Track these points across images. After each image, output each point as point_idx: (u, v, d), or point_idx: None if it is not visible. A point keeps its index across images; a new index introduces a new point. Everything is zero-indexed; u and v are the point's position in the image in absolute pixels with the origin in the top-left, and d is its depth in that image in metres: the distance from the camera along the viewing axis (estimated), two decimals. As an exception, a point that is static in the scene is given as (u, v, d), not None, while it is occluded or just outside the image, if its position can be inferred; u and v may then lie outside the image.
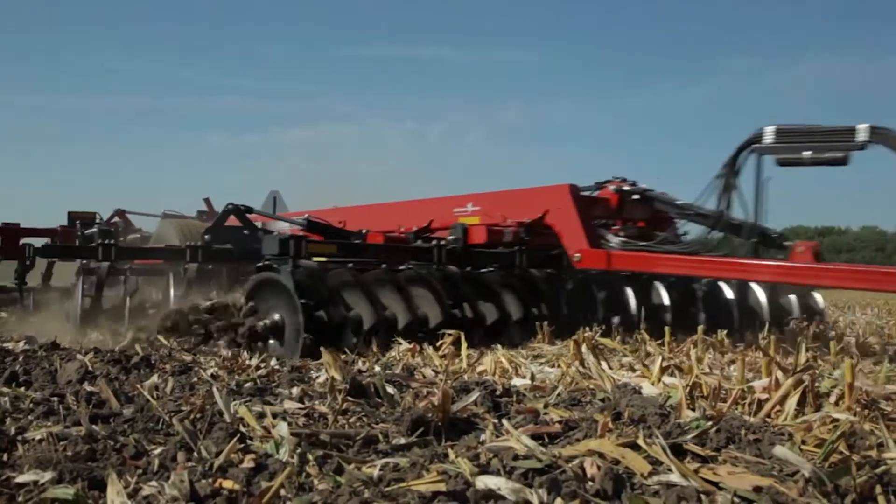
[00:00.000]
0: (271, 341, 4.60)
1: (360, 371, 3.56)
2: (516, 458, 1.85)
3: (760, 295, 5.91)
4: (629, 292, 5.57)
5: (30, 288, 8.90)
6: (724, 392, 2.67)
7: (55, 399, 2.71)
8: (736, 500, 1.59)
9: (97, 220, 9.33)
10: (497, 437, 2.15)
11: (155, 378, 3.08)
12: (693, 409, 2.48)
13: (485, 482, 1.65)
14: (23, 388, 2.99)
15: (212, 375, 3.36)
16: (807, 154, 4.31)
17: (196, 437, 2.06)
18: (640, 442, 1.94)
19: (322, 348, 3.66)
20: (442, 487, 1.63)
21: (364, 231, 5.87)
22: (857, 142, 4.18)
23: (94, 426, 2.24)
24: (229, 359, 4.00)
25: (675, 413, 2.39)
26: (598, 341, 3.79)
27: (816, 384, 2.55)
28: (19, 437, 2.12)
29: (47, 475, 1.69)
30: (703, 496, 1.60)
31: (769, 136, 4.44)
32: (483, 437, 2.18)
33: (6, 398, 2.71)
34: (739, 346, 4.44)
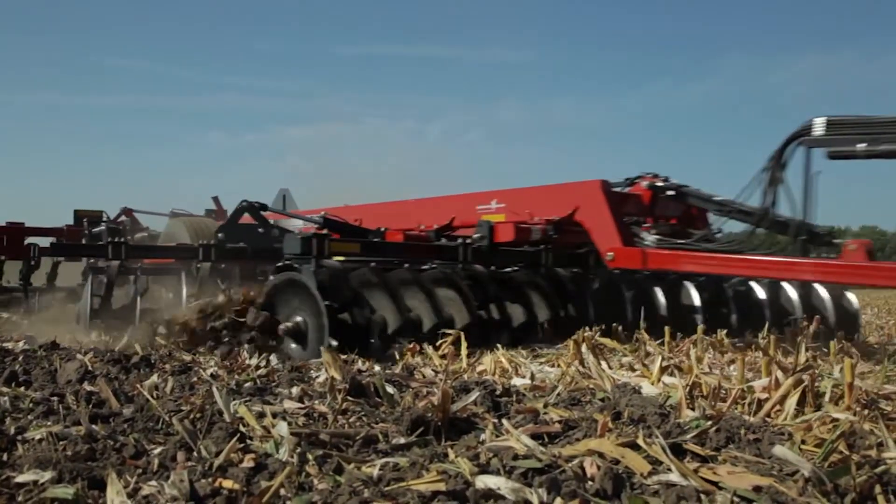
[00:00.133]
0: (293, 345, 4.41)
1: (359, 371, 3.56)
2: (516, 457, 1.85)
3: (792, 294, 5.76)
4: (658, 292, 5.42)
5: (35, 288, 8.79)
6: (723, 392, 2.67)
7: (55, 399, 2.71)
8: (736, 499, 1.59)
9: (104, 219, 9.28)
10: (497, 436, 2.15)
11: (155, 378, 3.08)
12: (693, 409, 2.48)
13: (484, 482, 1.65)
14: (22, 388, 2.99)
15: (211, 375, 3.36)
16: (861, 146, 4.03)
17: (196, 437, 2.06)
18: (640, 442, 1.94)
19: (322, 349, 3.65)
20: (442, 487, 1.63)
21: (382, 229, 5.69)
22: None
23: (93, 426, 2.24)
24: (230, 358, 4.00)
25: (675, 413, 2.39)
26: (598, 341, 3.79)
27: (816, 384, 2.54)
28: (19, 437, 2.12)
29: (47, 475, 1.69)
30: (702, 496, 1.60)
31: (819, 128, 4.19)
32: (483, 436, 2.18)
33: (6, 398, 2.71)
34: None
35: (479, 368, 3.63)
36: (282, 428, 2.11)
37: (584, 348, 3.48)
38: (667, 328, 4.11)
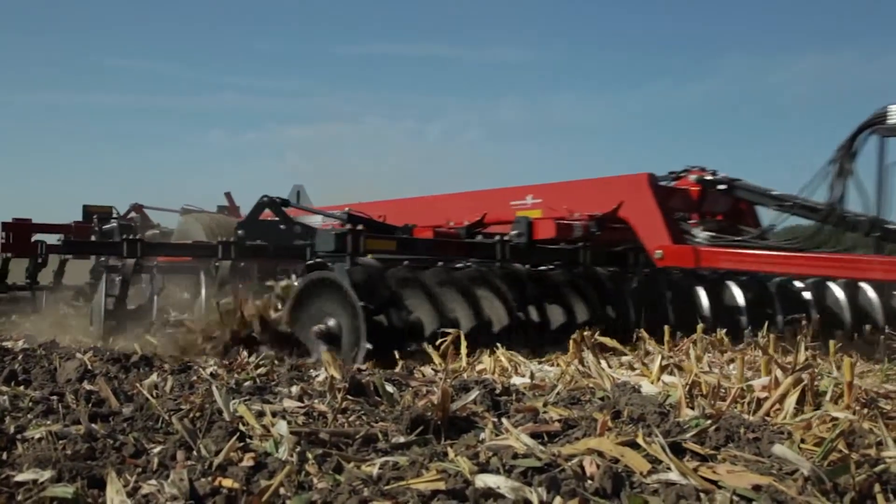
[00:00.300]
0: (325, 349, 4.07)
1: (359, 370, 3.55)
2: (516, 456, 1.85)
3: (839, 294, 5.52)
4: (700, 292, 5.16)
5: (42, 287, 8.54)
6: (723, 391, 2.67)
7: (54, 398, 2.71)
8: (735, 498, 1.59)
9: (113, 215, 9.02)
10: (496, 435, 2.15)
11: (154, 377, 3.07)
12: (692, 408, 2.48)
13: (484, 481, 1.65)
14: (22, 387, 2.99)
15: (211, 374, 3.36)
16: None
17: (195, 436, 2.06)
18: (640, 440, 1.94)
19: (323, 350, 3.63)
20: (441, 486, 1.63)
21: (410, 226, 5.42)
22: None
23: (93, 425, 2.24)
24: (229, 357, 4.00)
25: (675, 412, 2.39)
26: (598, 340, 3.79)
27: (816, 383, 2.55)
28: (19, 436, 2.12)
29: (47, 474, 1.69)
30: (702, 495, 1.60)
31: (895, 115, 3.94)
32: (482, 435, 2.18)
33: (5, 397, 2.71)
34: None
35: (479, 367, 3.62)
36: (281, 427, 2.11)
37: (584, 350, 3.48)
38: (667, 327, 4.07)
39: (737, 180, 5.24)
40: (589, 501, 1.58)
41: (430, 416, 2.26)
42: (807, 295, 5.51)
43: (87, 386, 2.94)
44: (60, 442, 2.05)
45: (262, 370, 3.53)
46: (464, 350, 3.66)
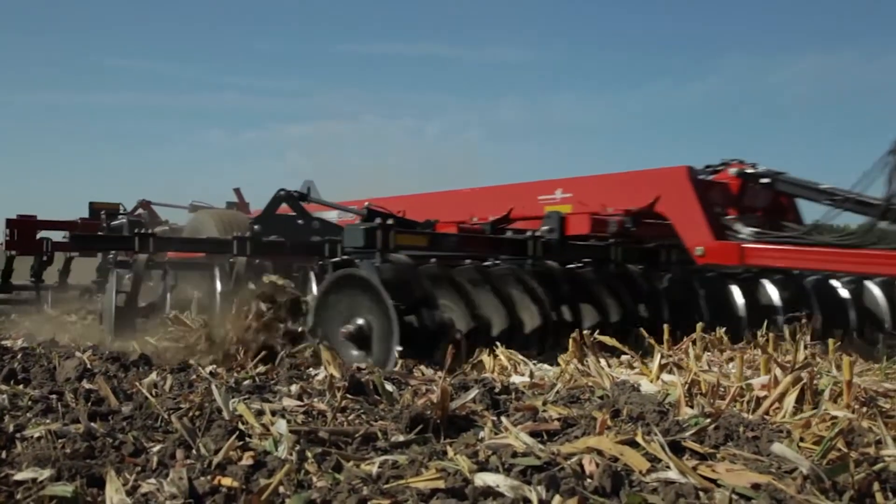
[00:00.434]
0: (354, 351, 3.87)
1: (358, 368, 3.55)
2: (515, 455, 1.85)
3: (877, 292, 5.34)
4: (735, 291, 4.98)
5: (47, 286, 8.31)
6: (722, 389, 2.67)
7: (54, 397, 2.71)
8: (734, 497, 1.59)
9: (121, 211, 8.76)
10: (496, 434, 2.15)
11: (154, 376, 3.07)
12: (692, 407, 2.48)
13: (483, 479, 1.65)
14: (21, 386, 2.99)
15: (210, 373, 3.36)
16: None
17: (195, 435, 2.06)
18: (639, 439, 1.94)
19: (322, 346, 3.59)
20: (441, 485, 1.63)
21: (431, 221, 5.19)
22: None
23: (92, 424, 2.23)
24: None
25: (674, 410, 2.39)
26: (597, 338, 3.78)
27: (815, 382, 2.55)
28: (18, 435, 2.12)
29: (46, 473, 1.69)
30: (701, 493, 1.60)
31: None
32: (482, 434, 2.18)
33: (5, 396, 2.71)
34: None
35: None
36: (281, 426, 2.11)
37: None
38: (666, 326, 4.03)
39: (781, 173, 4.98)
40: (588, 500, 1.58)
41: (429, 415, 2.25)
42: (844, 293, 5.33)
43: (86, 385, 2.94)
44: (60, 441, 2.05)
45: (261, 369, 3.53)
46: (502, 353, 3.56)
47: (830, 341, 3.64)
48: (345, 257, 4.18)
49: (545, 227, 4.87)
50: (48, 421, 2.31)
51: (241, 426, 2.18)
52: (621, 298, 4.79)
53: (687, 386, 2.71)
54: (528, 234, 4.79)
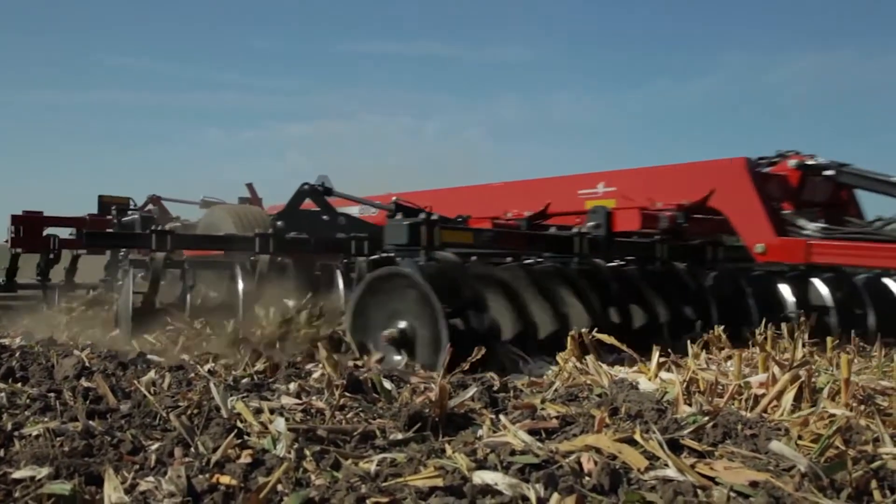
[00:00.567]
0: (395, 356, 3.63)
1: (357, 366, 3.55)
2: (513, 453, 1.85)
3: None
4: (784, 290, 4.75)
5: (53, 285, 7.93)
6: (720, 387, 2.68)
7: (52, 395, 2.71)
8: (732, 494, 1.59)
9: (131, 207, 8.43)
10: (494, 432, 2.16)
11: (152, 374, 3.07)
12: (690, 405, 2.49)
13: (482, 477, 1.65)
14: (19, 384, 2.99)
15: (209, 371, 3.36)
16: None
17: (193, 433, 2.06)
18: (637, 437, 1.94)
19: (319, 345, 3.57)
20: (439, 482, 1.64)
21: (463, 217, 4.98)
22: None
23: (90, 422, 2.23)
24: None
25: (672, 408, 2.40)
26: (596, 336, 3.79)
27: (813, 380, 2.55)
28: (16, 433, 2.12)
29: (44, 471, 1.69)
30: (699, 491, 1.61)
31: None
32: (480, 432, 2.18)
33: (3, 394, 2.71)
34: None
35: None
36: (279, 424, 2.11)
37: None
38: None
39: (844, 165, 4.72)
40: (586, 498, 1.58)
41: (427, 413, 2.26)
42: None
43: (84, 383, 2.94)
44: (58, 439, 2.05)
45: (259, 367, 3.53)
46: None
47: (829, 339, 3.65)
48: (383, 254, 3.97)
49: (591, 223, 4.61)
50: (46, 419, 2.32)
51: (239, 424, 2.18)
52: (669, 298, 4.54)
53: (685, 384, 2.72)
54: (574, 230, 4.55)
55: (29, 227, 8.01)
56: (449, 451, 1.92)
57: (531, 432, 2.10)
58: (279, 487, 1.64)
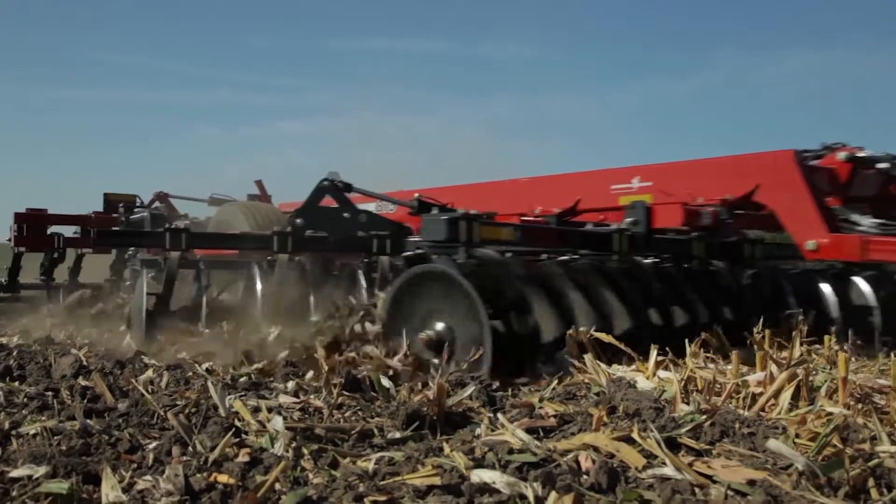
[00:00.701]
0: (434, 360, 3.38)
1: (355, 365, 3.55)
2: (511, 451, 1.86)
3: None
4: (826, 289, 4.60)
5: (57, 284, 7.77)
6: (718, 386, 2.68)
7: (49, 393, 2.71)
8: (730, 493, 1.59)
9: (138, 204, 8.29)
10: (492, 430, 2.16)
11: (150, 372, 3.07)
12: (687, 403, 2.48)
13: (479, 476, 1.65)
14: (17, 383, 2.99)
15: (207, 370, 3.35)
16: None
17: (191, 432, 2.06)
18: (635, 436, 1.94)
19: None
20: (437, 481, 1.64)
21: (490, 213, 4.66)
22: None
23: (88, 420, 2.23)
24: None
25: (670, 407, 2.40)
26: (594, 335, 3.79)
27: (811, 378, 2.56)
28: (13, 432, 2.12)
29: (41, 469, 1.69)
30: (697, 489, 1.61)
31: None
32: (478, 430, 2.18)
33: (0, 393, 2.70)
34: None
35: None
36: (277, 422, 2.11)
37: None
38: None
39: None
40: (584, 496, 1.58)
41: (425, 412, 2.26)
42: None
43: (82, 381, 2.94)
44: (55, 438, 2.04)
45: (257, 365, 3.53)
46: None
47: (826, 338, 3.65)
48: (418, 251, 3.83)
49: (629, 220, 4.39)
50: (44, 418, 2.32)
51: (237, 423, 2.18)
52: (708, 297, 4.36)
53: (683, 382, 2.72)
54: (613, 226, 4.38)
55: (33, 226, 7.80)
56: (447, 449, 1.92)
57: (529, 431, 2.10)
58: (277, 486, 1.64)
